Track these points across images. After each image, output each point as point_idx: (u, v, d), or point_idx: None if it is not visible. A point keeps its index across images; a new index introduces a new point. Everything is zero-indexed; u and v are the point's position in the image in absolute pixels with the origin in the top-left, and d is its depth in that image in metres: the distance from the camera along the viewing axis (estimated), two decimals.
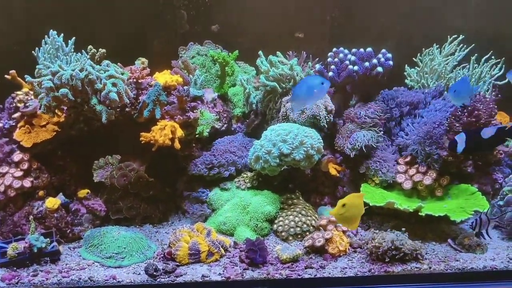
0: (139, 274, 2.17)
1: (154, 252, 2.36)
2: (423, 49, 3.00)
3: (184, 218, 2.80)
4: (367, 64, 2.66)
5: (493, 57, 2.92)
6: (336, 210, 2.12)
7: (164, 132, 2.43)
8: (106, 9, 3.22)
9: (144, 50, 2.96)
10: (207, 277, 2.13)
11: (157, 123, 2.49)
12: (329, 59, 2.80)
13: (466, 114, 2.48)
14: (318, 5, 3.32)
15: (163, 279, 2.12)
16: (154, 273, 2.14)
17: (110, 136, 2.66)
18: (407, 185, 2.59)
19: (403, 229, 2.29)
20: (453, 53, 2.92)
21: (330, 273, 2.16)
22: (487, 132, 2.25)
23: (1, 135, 2.61)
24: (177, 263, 2.23)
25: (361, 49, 2.76)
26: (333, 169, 2.68)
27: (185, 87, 2.57)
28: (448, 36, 2.96)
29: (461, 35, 2.94)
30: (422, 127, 2.61)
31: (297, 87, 2.32)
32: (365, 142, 2.62)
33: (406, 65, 2.95)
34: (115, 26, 3.22)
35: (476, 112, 2.46)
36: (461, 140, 2.27)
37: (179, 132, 2.47)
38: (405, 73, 3.05)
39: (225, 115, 2.95)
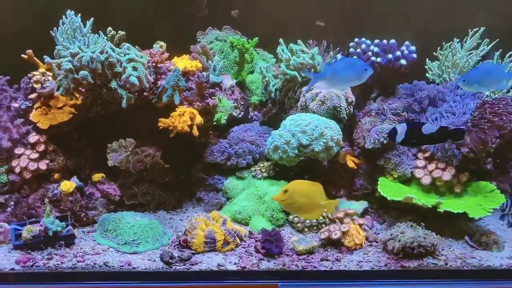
0: (154, 261, 2.17)
1: (169, 239, 2.35)
2: (443, 43, 2.95)
3: (199, 205, 2.78)
4: (390, 56, 2.61)
5: None
6: (278, 196, 2.13)
7: (183, 118, 2.39)
8: None
9: (161, 34, 2.89)
10: (223, 266, 2.12)
11: (176, 109, 2.46)
12: (351, 50, 2.75)
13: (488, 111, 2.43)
14: None
15: (178, 267, 2.12)
16: (170, 260, 2.13)
17: (127, 120, 2.62)
18: (426, 180, 2.56)
19: (422, 224, 2.28)
20: (476, 47, 2.87)
21: (346, 266, 2.15)
22: (429, 129, 2.20)
23: (17, 116, 2.58)
24: (193, 251, 2.22)
25: (384, 40, 2.71)
26: (350, 162, 2.65)
27: (205, 73, 2.53)
28: (469, 30, 2.90)
29: (482, 28, 2.88)
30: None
31: (336, 64, 2.22)
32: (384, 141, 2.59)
33: (427, 58, 2.89)
34: (132, 8, 3.15)
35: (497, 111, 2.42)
36: (401, 130, 2.20)
37: (198, 119, 2.44)
38: (426, 66, 3.00)
39: (243, 102, 2.92)
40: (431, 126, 2.20)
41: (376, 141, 2.57)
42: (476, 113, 2.46)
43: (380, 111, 2.66)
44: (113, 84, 2.29)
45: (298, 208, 2.18)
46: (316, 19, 3.15)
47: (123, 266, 2.12)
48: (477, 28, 2.87)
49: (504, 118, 2.44)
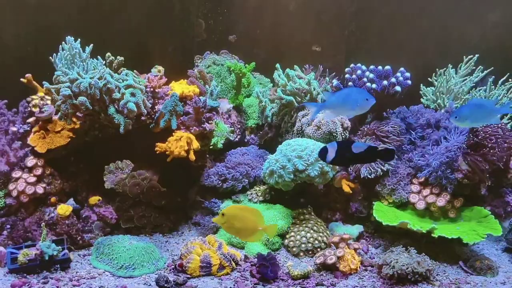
0: (150, 285, 2.16)
1: (165, 263, 2.35)
2: (437, 69, 2.99)
3: (195, 228, 2.78)
4: (385, 82, 2.65)
5: (510, 79, 2.91)
6: (216, 219, 2.14)
7: (180, 143, 2.42)
8: (122, 16, 3.20)
9: (160, 58, 2.93)
10: None
11: (173, 133, 2.48)
12: (346, 75, 2.78)
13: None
14: (336, 19, 3.31)
15: None
16: (165, 285, 2.12)
17: (124, 144, 2.64)
18: (421, 205, 2.58)
19: (413, 249, 2.29)
20: (470, 73, 2.91)
21: None
22: (358, 148, 2.21)
23: (15, 139, 2.59)
24: (188, 276, 2.22)
25: (379, 67, 2.75)
26: (346, 186, 2.67)
27: (202, 98, 2.56)
28: (464, 56, 2.95)
29: (476, 55, 2.93)
30: (437, 149, 2.60)
31: (338, 94, 2.24)
32: (380, 169, 2.62)
33: (422, 84, 2.94)
34: (131, 33, 3.20)
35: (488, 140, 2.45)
36: (332, 149, 2.18)
37: (195, 144, 2.46)
38: (421, 92, 3.04)
39: (239, 126, 2.95)
40: (360, 144, 2.20)
41: (371, 171, 2.61)
42: (472, 137, 2.49)
43: (373, 135, 2.69)
44: (111, 111, 2.31)
45: (237, 232, 2.17)
46: (312, 44, 3.20)
47: None
48: (471, 56, 2.91)
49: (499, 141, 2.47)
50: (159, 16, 3.24)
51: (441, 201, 2.55)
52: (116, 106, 2.34)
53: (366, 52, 2.65)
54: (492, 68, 2.89)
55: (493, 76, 2.88)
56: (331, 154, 2.17)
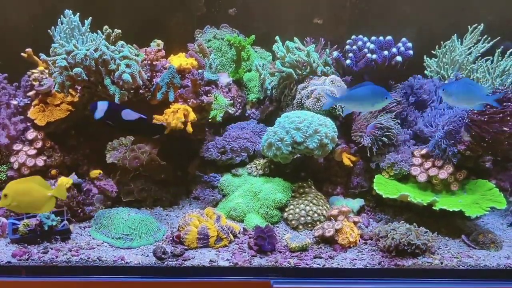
0: (147, 256, 2.18)
1: (164, 235, 2.37)
2: (441, 42, 2.92)
3: (195, 202, 2.79)
4: (386, 53, 2.60)
5: None
6: (2, 202, 2.08)
7: (177, 115, 2.41)
8: None
9: (160, 32, 2.91)
10: (215, 262, 2.13)
11: (170, 106, 2.48)
12: (347, 47, 2.74)
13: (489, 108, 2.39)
14: None
15: (170, 262, 2.13)
16: (162, 255, 2.14)
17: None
18: (422, 178, 2.53)
19: (414, 224, 2.25)
20: (475, 43, 2.83)
21: (339, 264, 2.13)
22: (128, 115, 2.13)
23: (16, 113, 2.63)
24: (186, 247, 2.23)
25: (381, 37, 2.69)
26: (346, 159, 2.64)
27: (200, 71, 2.55)
28: (469, 26, 2.87)
29: (482, 24, 2.84)
30: (440, 120, 2.55)
31: (357, 90, 2.24)
32: (383, 133, 2.57)
33: (425, 56, 2.87)
34: (131, 8, 3.20)
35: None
36: (102, 107, 2.14)
37: (192, 116, 2.45)
38: (425, 63, 2.97)
39: (239, 100, 2.93)
40: (131, 113, 2.15)
41: (373, 138, 2.56)
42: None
43: None
44: (107, 82, 2.32)
45: (27, 207, 2.15)
46: (314, 16, 3.15)
47: (116, 260, 2.13)
48: (476, 25, 2.83)
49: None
50: None
51: (443, 174, 2.50)
52: (112, 78, 2.34)
53: (369, 25, 2.59)
54: (499, 37, 2.80)
55: (502, 47, 2.80)
56: (99, 113, 2.15)
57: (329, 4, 3.22)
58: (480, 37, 2.84)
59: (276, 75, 2.85)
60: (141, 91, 2.50)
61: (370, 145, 2.58)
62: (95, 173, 2.60)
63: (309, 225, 2.47)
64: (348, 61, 2.70)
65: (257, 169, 2.72)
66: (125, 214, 2.41)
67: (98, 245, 2.28)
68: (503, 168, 2.65)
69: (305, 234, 2.41)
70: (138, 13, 3.15)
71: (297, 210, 2.49)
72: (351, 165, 2.65)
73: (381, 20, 2.75)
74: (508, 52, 2.79)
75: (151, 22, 3.12)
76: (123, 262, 2.13)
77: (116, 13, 3.12)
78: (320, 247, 2.29)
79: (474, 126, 2.39)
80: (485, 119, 2.35)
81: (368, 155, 2.60)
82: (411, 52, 2.63)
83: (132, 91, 2.47)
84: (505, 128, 2.38)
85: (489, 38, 2.84)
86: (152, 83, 2.53)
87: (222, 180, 2.73)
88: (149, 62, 2.54)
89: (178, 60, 2.59)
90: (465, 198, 2.46)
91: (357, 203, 2.62)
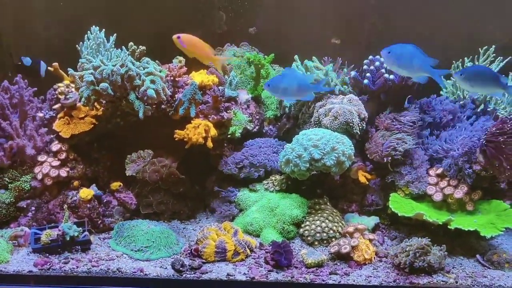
0: (166, 268, 2.22)
1: (182, 248, 2.41)
2: (453, 61, 2.97)
3: (212, 216, 2.83)
4: None
5: None
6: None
7: (198, 130, 2.47)
8: (148, 8, 3.30)
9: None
10: (232, 276, 2.16)
11: (192, 121, 2.54)
12: (364, 67, 2.79)
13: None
14: (356, 12, 3.32)
15: (188, 275, 2.16)
16: (181, 268, 2.18)
17: (145, 132, 2.71)
18: (438, 197, 2.56)
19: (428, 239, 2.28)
20: (489, 64, 2.87)
21: (354, 281, 2.16)
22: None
23: (42, 125, 2.71)
24: (203, 260, 2.26)
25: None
26: (362, 177, 2.68)
27: (220, 87, 2.61)
28: (480, 49, 2.92)
29: (493, 46, 2.89)
30: (456, 140, 2.58)
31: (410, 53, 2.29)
32: (400, 149, 2.61)
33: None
34: (155, 25, 3.30)
35: None
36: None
37: (213, 131, 2.51)
38: None
39: (258, 117, 2.98)
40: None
41: (390, 151, 2.60)
42: (494, 128, 2.45)
43: (394, 123, 2.69)
44: (132, 97, 2.39)
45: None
46: (332, 37, 3.22)
47: (135, 272, 2.18)
48: (486, 47, 2.88)
49: None
50: (182, 9, 3.32)
51: (459, 193, 2.52)
52: (136, 93, 2.41)
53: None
54: (510, 57, 2.86)
55: None
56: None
57: (347, 25, 3.29)
58: (494, 58, 2.88)
59: None
60: (163, 106, 2.57)
61: (386, 160, 2.62)
62: (115, 185, 2.66)
63: (325, 242, 2.50)
64: (365, 81, 2.75)
65: (274, 184, 2.76)
66: (145, 227, 2.46)
67: (117, 256, 2.32)
68: None
69: (321, 250, 2.44)
70: (161, 30, 3.23)
71: (313, 226, 2.53)
72: (367, 182, 2.69)
73: (398, 41, 2.79)
74: None
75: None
76: (142, 274, 2.18)
77: (139, 30, 3.21)
78: (336, 264, 2.32)
79: (490, 147, 2.42)
80: (502, 140, 2.38)
81: (389, 167, 2.64)
82: None
83: (154, 106, 2.54)
84: None
85: (502, 58, 2.89)
86: (174, 98, 2.60)
87: (239, 195, 2.77)
88: (171, 78, 2.61)
89: (200, 77, 2.66)
90: (480, 218, 2.48)
91: (372, 220, 2.64)
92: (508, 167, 2.39)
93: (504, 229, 2.36)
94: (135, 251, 2.34)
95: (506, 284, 2.18)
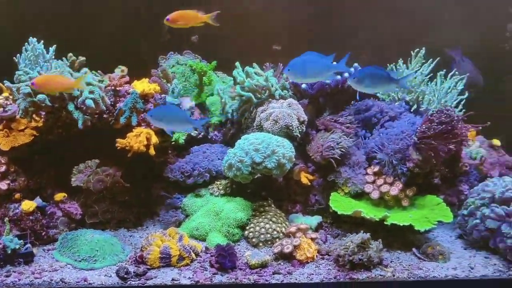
0: (111, 276, 2.23)
1: (127, 256, 2.42)
2: (388, 64, 3.11)
3: (159, 223, 2.85)
4: (339, 77, 2.75)
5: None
6: None
7: (139, 138, 2.50)
8: (89, 17, 3.31)
9: (125, 59, 3.00)
10: (177, 280, 2.19)
11: (133, 130, 2.56)
12: None
13: (437, 124, 2.54)
14: (297, 18, 3.42)
15: (133, 282, 2.18)
16: (125, 275, 2.20)
17: (88, 142, 2.72)
18: (375, 195, 2.67)
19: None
20: (420, 66, 3.02)
21: (297, 279, 2.23)
22: None
23: None
24: (148, 267, 2.28)
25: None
26: (304, 178, 2.76)
27: (162, 95, 2.65)
28: (411, 52, 3.07)
29: (423, 47, 3.03)
30: (390, 138, 2.70)
31: (306, 61, 2.33)
32: (338, 150, 2.70)
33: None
34: (99, 34, 3.30)
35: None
36: None
37: (154, 139, 2.54)
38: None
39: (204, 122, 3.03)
40: None
41: (329, 151, 2.69)
42: (423, 127, 2.58)
43: (331, 124, 2.79)
44: (70, 107, 2.40)
45: None
46: (273, 43, 3.31)
47: (79, 282, 2.18)
48: (417, 49, 3.03)
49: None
50: (126, 19, 3.34)
51: (394, 190, 2.64)
52: (75, 103, 2.42)
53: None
54: (438, 58, 3.02)
55: (445, 70, 3.00)
56: None
57: (289, 31, 3.38)
58: (424, 61, 3.03)
59: (237, 99, 2.97)
60: (105, 115, 2.59)
61: (326, 159, 2.71)
62: (59, 196, 2.65)
63: (269, 242, 2.55)
64: (304, 85, 2.85)
65: (219, 189, 2.81)
66: (89, 236, 2.47)
67: (61, 267, 2.32)
68: (451, 184, 2.81)
69: (265, 251, 2.50)
70: (105, 40, 3.24)
71: (257, 228, 2.58)
72: (309, 183, 2.77)
73: (340, 47, 2.90)
74: (449, 75, 2.99)
75: (117, 49, 3.22)
76: (86, 283, 2.18)
77: (83, 41, 3.20)
78: (279, 263, 2.38)
79: (421, 144, 2.55)
80: (431, 137, 2.51)
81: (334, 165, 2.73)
82: None
83: (96, 116, 2.55)
84: (450, 146, 2.56)
85: (432, 60, 3.04)
86: (116, 107, 2.62)
87: (185, 200, 2.81)
88: (113, 87, 2.63)
89: (141, 86, 2.68)
90: (415, 213, 2.60)
91: (315, 220, 2.72)
92: (440, 161, 2.53)
93: (437, 222, 2.48)
94: (79, 261, 2.34)
95: (440, 275, 2.29)
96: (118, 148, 2.55)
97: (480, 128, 2.87)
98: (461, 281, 2.29)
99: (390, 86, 2.35)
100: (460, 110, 2.93)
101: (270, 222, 2.60)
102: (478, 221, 2.52)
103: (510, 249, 2.36)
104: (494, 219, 2.45)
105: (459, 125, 2.58)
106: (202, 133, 3.00)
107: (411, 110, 2.94)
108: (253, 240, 2.56)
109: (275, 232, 2.57)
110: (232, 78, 3.32)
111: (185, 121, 2.44)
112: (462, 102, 2.97)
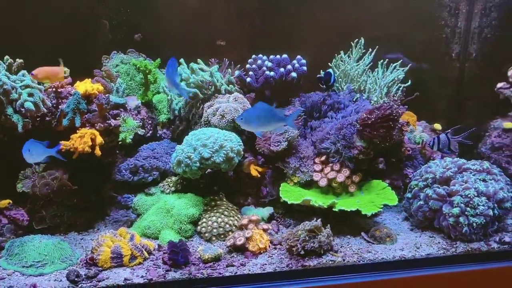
0: (61, 281, 2.19)
1: (78, 259, 2.38)
2: (336, 55, 3.18)
3: (111, 224, 2.82)
4: (282, 70, 2.80)
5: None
6: None
7: (84, 139, 2.46)
8: (30, 19, 3.22)
9: (67, 60, 2.94)
10: (130, 280, 2.18)
11: (77, 131, 2.52)
12: (247, 66, 2.92)
13: (377, 113, 2.63)
14: (239, 14, 3.45)
15: (85, 285, 2.15)
16: (76, 279, 2.16)
17: None
18: (323, 182, 2.74)
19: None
20: (361, 56, 3.12)
21: (250, 270, 2.26)
22: None
23: None
24: (100, 268, 2.26)
25: (278, 56, 2.90)
26: (254, 171, 2.79)
27: (106, 95, 2.62)
28: (352, 43, 3.15)
29: (362, 38, 3.14)
30: (334, 126, 2.77)
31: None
32: (286, 142, 2.74)
33: (321, 70, 3.10)
34: (39, 35, 3.22)
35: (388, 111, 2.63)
36: None
37: (99, 139, 2.50)
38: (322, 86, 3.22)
39: (150, 121, 3.01)
40: None
41: (279, 144, 2.73)
42: (364, 115, 2.66)
43: None
44: (9, 111, 2.34)
45: None
46: (218, 39, 3.32)
47: None
48: (357, 39, 3.13)
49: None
50: (67, 19, 3.27)
51: (341, 177, 2.71)
52: (13, 107, 2.36)
53: (271, 45, 2.79)
54: (377, 47, 3.12)
55: (386, 60, 3.11)
56: None
57: (232, 27, 3.41)
58: (365, 50, 3.12)
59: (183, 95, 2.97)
60: (47, 118, 2.53)
61: (276, 150, 2.75)
62: (3, 203, 2.57)
63: (222, 236, 2.58)
64: (248, 79, 2.88)
65: (169, 186, 2.80)
66: (36, 242, 2.41)
67: (8, 275, 2.25)
68: (396, 168, 2.92)
69: (218, 245, 2.52)
70: (46, 42, 3.17)
71: (210, 222, 2.60)
72: (259, 176, 2.81)
73: (283, 40, 2.96)
74: (392, 66, 3.10)
75: (59, 50, 3.15)
76: None
77: (25, 43, 3.12)
78: (233, 256, 2.40)
79: (363, 131, 2.63)
80: (373, 125, 2.60)
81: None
82: (305, 68, 2.86)
83: (38, 119, 2.50)
84: (393, 132, 2.66)
85: (370, 49, 3.14)
86: (59, 109, 2.57)
87: (135, 200, 2.79)
88: (54, 89, 2.58)
89: (84, 86, 2.64)
90: (362, 198, 2.68)
91: (267, 211, 2.77)
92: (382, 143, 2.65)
93: (383, 206, 2.57)
94: (27, 267, 2.28)
95: (388, 256, 2.37)
96: (63, 150, 2.50)
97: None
98: (408, 261, 2.38)
99: (278, 125, 2.37)
100: (401, 98, 3.04)
101: (222, 216, 2.62)
102: (421, 202, 2.63)
103: (453, 227, 2.48)
104: (436, 199, 2.56)
105: (397, 111, 2.67)
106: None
107: (354, 100, 3.02)
108: (206, 235, 2.58)
109: (227, 226, 2.59)
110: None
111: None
112: (401, 89, 3.09)
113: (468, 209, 2.45)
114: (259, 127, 2.33)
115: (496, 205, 2.50)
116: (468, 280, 2.39)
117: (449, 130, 2.70)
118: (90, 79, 2.78)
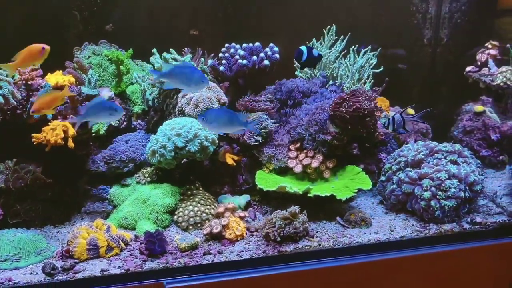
0: (37, 274, 2.18)
1: (54, 252, 2.37)
2: (307, 42, 3.20)
3: (87, 216, 2.81)
4: (255, 58, 2.81)
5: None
6: None
7: (56, 131, 2.43)
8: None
9: None
10: (106, 271, 2.18)
11: (49, 123, 2.50)
12: (220, 54, 2.93)
13: (348, 99, 2.67)
14: (211, 3, 3.44)
15: (61, 277, 2.15)
16: (51, 271, 2.15)
17: (4, 140, 2.63)
18: (298, 169, 2.76)
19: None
20: (333, 43, 3.14)
21: (227, 257, 2.28)
22: None
23: None
24: (76, 260, 2.25)
25: (251, 44, 2.91)
26: (230, 159, 2.80)
27: (77, 87, 2.59)
28: (324, 30, 3.17)
29: (333, 25, 3.16)
30: (308, 113, 2.79)
31: (178, 68, 2.29)
32: (259, 128, 2.76)
33: (294, 58, 3.13)
34: (10, 28, 3.17)
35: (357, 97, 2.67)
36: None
37: (71, 131, 2.48)
38: (295, 65, 3.23)
39: (124, 112, 3.00)
40: None
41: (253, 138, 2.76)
42: (336, 100, 2.69)
43: (251, 104, 2.84)
44: None
45: None
46: (190, 28, 3.31)
47: (2, 282, 2.11)
48: (329, 26, 3.15)
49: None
50: (36, 10, 3.22)
51: (315, 163, 2.74)
52: None
53: (245, 33, 2.79)
54: (349, 34, 3.16)
55: (357, 45, 3.14)
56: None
57: (204, 16, 3.40)
58: (337, 37, 3.14)
59: (157, 85, 2.96)
60: (18, 111, 2.51)
61: (253, 142, 2.77)
62: None
63: (199, 225, 2.58)
64: (221, 68, 2.88)
65: (145, 177, 2.80)
66: (10, 235, 2.38)
67: None
68: (370, 153, 2.96)
69: (195, 234, 2.53)
70: (17, 33, 3.12)
71: (186, 211, 2.61)
72: (235, 164, 2.82)
73: (258, 29, 2.96)
74: (362, 52, 3.14)
75: (28, 42, 3.10)
76: (10, 283, 2.12)
77: None
78: (210, 244, 2.42)
79: (335, 117, 2.67)
80: (344, 110, 2.63)
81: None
82: (277, 55, 2.87)
83: (9, 112, 2.47)
84: (367, 119, 2.69)
85: (342, 36, 3.16)
86: (29, 102, 2.54)
87: (111, 191, 2.78)
88: (24, 81, 2.55)
89: (55, 78, 2.61)
90: (337, 184, 2.72)
91: (244, 199, 2.78)
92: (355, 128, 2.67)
93: (357, 190, 2.61)
94: (1, 261, 2.26)
95: (363, 240, 2.42)
96: (35, 143, 2.48)
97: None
98: (383, 243, 2.43)
99: (238, 128, 2.38)
100: (371, 83, 3.09)
101: (199, 205, 2.63)
102: (394, 186, 2.69)
103: (425, 210, 2.54)
104: (409, 183, 2.61)
105: (366, 96, 2.71)
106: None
107: (327, 86, 3.05)
108: (183, 224, 2.58)
109: (204, 215, 2.60)
110: (151, 66, 3.31)
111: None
112: (371, 74, 3.13)
113: (440, 192, 2.50)
114: (219, 128, 2.36)
115: (467, 187, 2.55)
116: (442, 260, 2.45)
117: (403, 110, 2.74)
118: (61, 71, 2.74)
